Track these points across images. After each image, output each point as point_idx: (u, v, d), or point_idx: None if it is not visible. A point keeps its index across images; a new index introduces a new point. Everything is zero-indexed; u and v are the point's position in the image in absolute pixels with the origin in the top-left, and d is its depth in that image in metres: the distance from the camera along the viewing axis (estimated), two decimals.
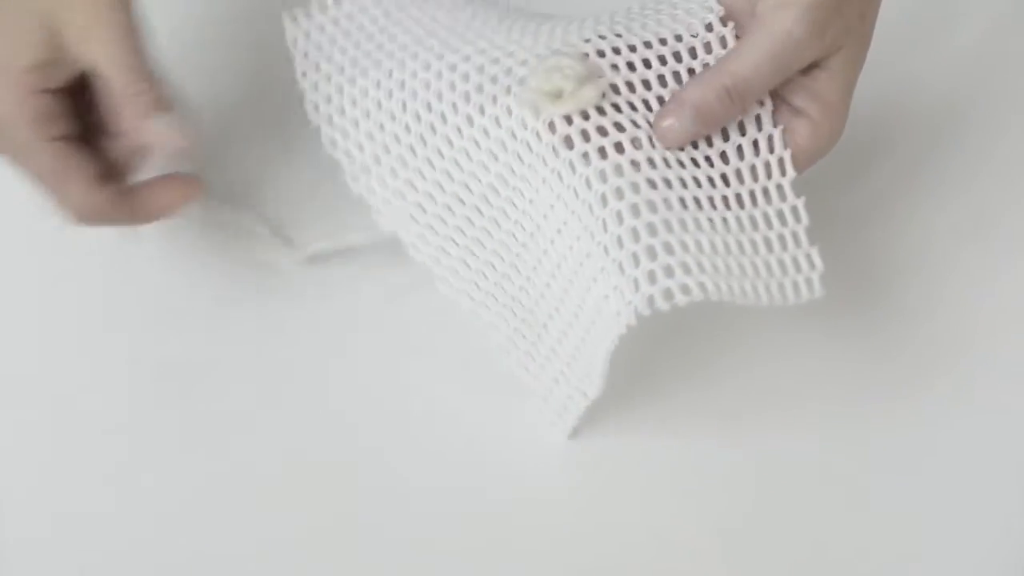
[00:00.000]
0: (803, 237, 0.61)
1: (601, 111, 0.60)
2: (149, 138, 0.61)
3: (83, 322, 0.68)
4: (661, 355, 0.67)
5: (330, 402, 0.66)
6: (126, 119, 0.61)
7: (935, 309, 0.69)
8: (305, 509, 0.64)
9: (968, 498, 0.64)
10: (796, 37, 0.58)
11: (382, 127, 0.65)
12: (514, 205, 0.63)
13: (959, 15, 0.76)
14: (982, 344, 0.68)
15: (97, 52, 0.60)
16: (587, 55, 0.61)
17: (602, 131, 0.60)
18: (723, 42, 0.61)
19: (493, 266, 0.64)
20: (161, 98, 0.61)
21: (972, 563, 0.63)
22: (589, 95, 0.59)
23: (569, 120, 0.60)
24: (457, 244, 0.65)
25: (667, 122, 0.59)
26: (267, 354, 0.67)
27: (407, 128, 0.64)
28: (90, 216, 0.62)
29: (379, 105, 0.65)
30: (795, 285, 0.61)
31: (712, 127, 0.60)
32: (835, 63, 0.60)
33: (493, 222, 0.64)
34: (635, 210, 0.59)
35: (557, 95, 0.59)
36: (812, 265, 0.61)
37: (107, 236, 0.69)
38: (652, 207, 0.59)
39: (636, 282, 0.58)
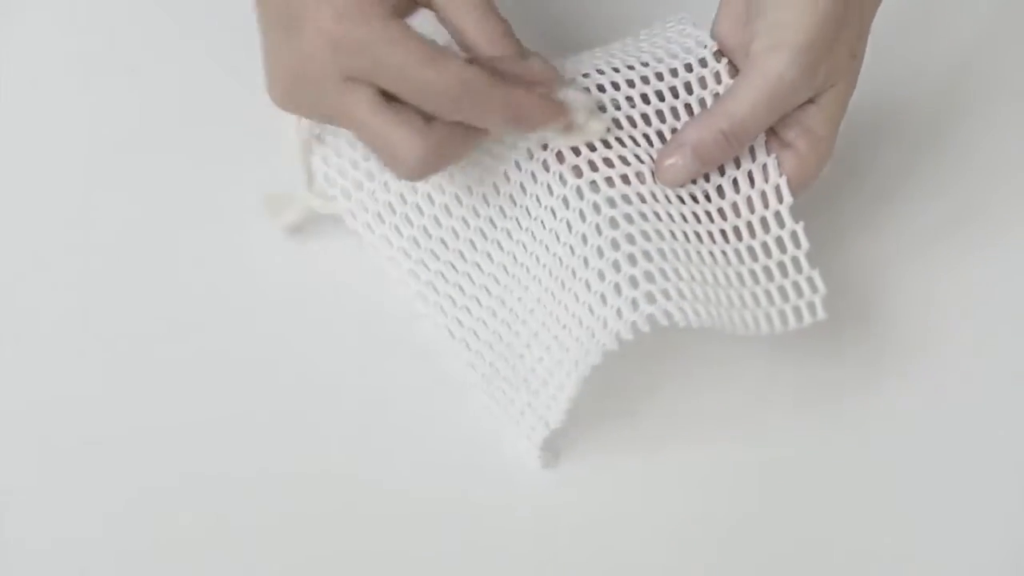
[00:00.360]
0: (803, 261, 0.62)
1: (607, 144, 0.62)
2: (530, 68, 0.59)
3: (80, 322, 0.68)
4: (645, 370, 0.67)
5: (319, 400, 0.66)
6: (498, 65, 0.58)
7: (929, 309, 0.69)
8: (301, 511, 0.64)
9: (968, 498, 0.64)
10: (789, 79, 0.59)
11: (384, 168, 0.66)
12: (509, 236, 0.64)
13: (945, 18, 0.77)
14: (977, 344, 0.68)
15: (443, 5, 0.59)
16: (588, 90, 0.62)
17: (608, 163, 0.61)
18: (718, 77, 0.63)
19: (478, 300, 0.65)
20: (518, 50, 0.59)
21: (972, 563, 0.63)
22: (597, 128, 0.61)
23: (577, 151, 0.61)
24: (447, 280, 0.65)
25: (669, 161, 0.61)
26: (262, 350, 0.68)
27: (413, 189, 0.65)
28: (463, 98, 0.56)
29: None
30: (797, 310, 0.62)
31: (710, 166, 0.61)
32: (826, 99, 0.61)
33: (486, 256, 0.65)
34: (645, 235, 0.60)
35: (566, 127, 0.61)
36: (814, 288, 0.62)
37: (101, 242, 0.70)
38: (659, 235, 0.60)
39: (619, 311, 0.59)
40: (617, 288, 0.59)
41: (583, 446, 0.65)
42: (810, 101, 0.61)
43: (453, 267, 0.66)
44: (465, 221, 0.65)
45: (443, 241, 0.65)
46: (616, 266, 0.60)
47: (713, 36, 0.63)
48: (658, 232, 0.60)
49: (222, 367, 0.67)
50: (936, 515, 0.64)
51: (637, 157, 0.62)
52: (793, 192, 0.62)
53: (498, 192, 0.64)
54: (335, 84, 0.57)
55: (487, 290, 0.65)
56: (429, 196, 0.65)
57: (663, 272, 0.59)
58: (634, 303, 0.59)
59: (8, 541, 0.63)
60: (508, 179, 0.63)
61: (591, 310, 0.60)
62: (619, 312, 0.59)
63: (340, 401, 0.66)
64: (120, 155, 0.71)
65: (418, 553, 0.63)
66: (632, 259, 0.60)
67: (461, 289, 0.65)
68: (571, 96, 0.61)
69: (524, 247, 0.63)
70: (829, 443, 0.65)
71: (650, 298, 0.59)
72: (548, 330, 0.62)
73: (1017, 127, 0.74)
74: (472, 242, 0.65)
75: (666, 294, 0.59)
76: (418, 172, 0.58)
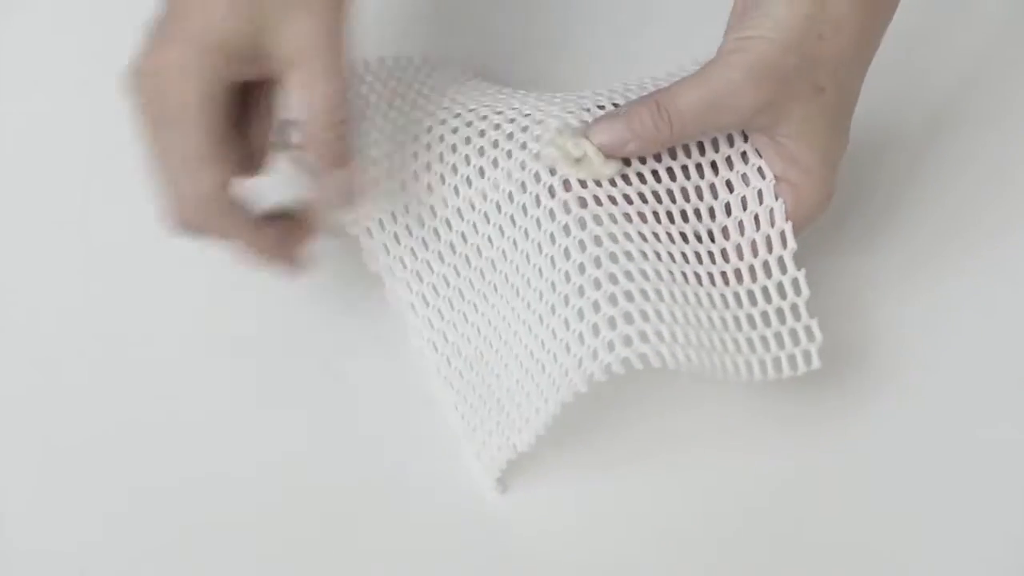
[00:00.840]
0: (803, 309, 0.62)
1: (612, 182, 0.62)
2: (326, 187, 0.61)
3: (79, 326, 0.68)
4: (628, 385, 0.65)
5: (318, 401, 0.67)
6: (313, 158, 0.61)
7: (928, 321, 0.68)
8: (300, 513, 0.64)
9: (967, 499, 0.64)
10: (729, 78, 0.60)
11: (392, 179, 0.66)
12: (504, 257, 0.64)
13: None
14: (975, 356, 0.68)
15: (297, 80, 0.59)
16: None
17: (612, 200, 0.62)
18: None
19: (465, 316, 0.65)
20: (344, 153, 0.61)
21: (971, 564, 0.63)
22: (608, 170, 0.61)
23: (584, 183, 0.62)
24: (438, 294, 0.66)
25: (602, 119, 0.62)
26: (261, 351, 0.68)
27: (415, 176, 0.65)
28: (196, 214, 0.59)
29: (388, 157, 0.66)
30: (791, 358, 0.62)
31: (638, 136, 0.61)
32: (792, 129, 0.62)
33: (479, 273, 0.65)
34: (644, 275, 0.60)
35: (579, 160, 0.61)
36: (811, 337, 0.62)
37: (100, 242, 0.70)
38: (657, 275, 0.61)
39: (611, 344, 0.59)
40: (612, 322, 0.59)
41: (572, 457, 0.65)
42: (778, 133, 0.62)
43: (446, 281, 0.66)
44: (464, 237, 0.65)
45: (440, 255, 0.66)
46: (613, 300, 0.60)
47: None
48: (657, 272, 0.61)
49: (221, 367, 0.67)
50: (935, 516, 0.64)
51: (641, 196, 0.62)
52: (797, 227, 0.62)
53: (500, 211, 0.64)
54: None
55: (475, 307, 0.65)
56: (432, 208, 0.66)
57: (659, 314, 0.59)
58: (626, 339, 0.59)
59: (8, 541, 0.63)
60: (512, 199, 0.63)
61: (581, 339, 0.60)
62: (610, 345, 0.59)
63: (338, 403, 0.66)
64: (120, 155, 0.71)
65: (414, 558, 0.63)
66: (629, 296, 0.60)
67: (451, 304, 0.66)
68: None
69: (517, 269, 0.64)
70: (822, 444, 0.65)
71: (643, 337, 0.59)
72: (531, 355, 0.62)
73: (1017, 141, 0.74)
74: (467, 258, 0.65)
75: (659, 336, 0.59)
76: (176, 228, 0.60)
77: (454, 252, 0.66)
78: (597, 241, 0.61)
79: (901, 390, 0.66)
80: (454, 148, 0.65)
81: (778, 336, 0.62)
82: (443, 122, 0.65)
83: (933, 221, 0.71)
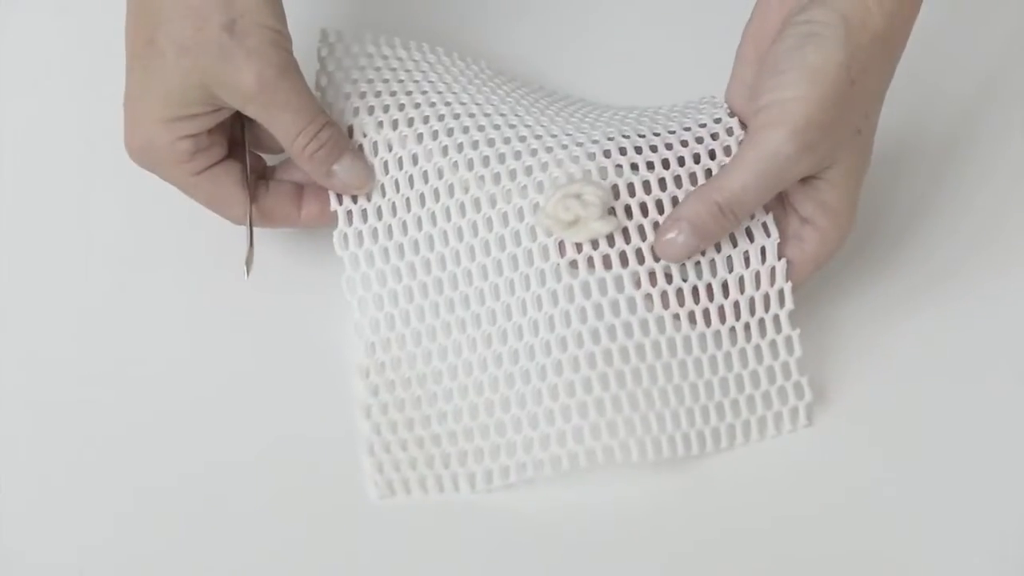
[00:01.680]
0: (794, 368, 0.62)
1: (611, 240, 0.61)
2: (335, 187, 0.64)
3: (76, 326, 0.68)
4: None
5: (319, 401, 0.67)
6: (308, 173, 0.64)
7: (932, 343, 0.68)
8: (297, 515, 0.64)
9: (968, 499, 0.64)
10: (784, 155, 0.59)
11: (394, 208, 0.65)
12: (481, 300, 0.62)
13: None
14: (986, 360, 0.68)
15: (263, 118, 0.61)
16: (605, 169, 0.61)
17: (607, 261, 0.61)
18: (727, 151, 0.63)
19: (431, 355, 0.63)
20: (335, 145, 0.63)
21: (972, 564, 0.63)
22: (603, 229, 0.60)
23: (579, 247, 0.61)
24: (405, 345, 0.64)
25: (667, 237, 0.61)
26: (259, 349, 0.68)
27: (407, 205, 0.64)
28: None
29: (393, 182, 0.65)
30: (778, 417, 0.62)
31: (708, 241, 0.61)
32: (835, 175, 0.61)
33: (461, 324, 0.63)
34: (607, 359, 0.60)
35: (572, 222, 0.61)
36: (800, 395, 0.62)
37: (100, 242, 0.70)
38: (656, 350, 0.61)
39: (564, 437, 0.60)
40: (583, 409, 0.60)
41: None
42: (819, 178, 0.61)
43: (420, 338, 0.64)
44: (455, 281, 0.63)
45: (421, 309, 0.63)
46: (587, 386, 0.60)
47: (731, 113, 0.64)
48: (639, 348, 0.60)
49: (220, 366, 0.67)
50: (936, 516, 0.64)
51: (639, 253, 0.61)
52: (816, 266, 0.62)
53: (488, 254, 0.62)
54: None
55: (444, 354, 0.63)
56: (428, 263, 0.63)
57: (632, 399, 0.60)
58: (595, 431, 0.60)
59: (8, 542, 0.64)
60: (503, 247, 0.62)
61: (552, 418, 0.60)
62: (578, 433, 0.60)
63: (337, 403, 0.66)
64: (120, 155, 0.71)
65: (416, 555, 0.63)
66: (605, 382, 0.60)
67: (414, 359, 0.64)
68: (587, 191, 0.60)
69: (494, 319, 0.62)
70: (821, 444, 0.65)
71: (612, 430, 0.60)
72: (490, 413, 0.62)
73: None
74: (438, 306, 0.63)
75: (630, 426, 0.60)
76: None
77: (440, 295, 0.63)
78: (582, 316, 0.61)
79: (902, 395, 0.66)
80: (456, 165, 0.63)
81: (766, 396, 0.62)
82: (449, 132, 0.63)
83: (951, 237, 0.70)
